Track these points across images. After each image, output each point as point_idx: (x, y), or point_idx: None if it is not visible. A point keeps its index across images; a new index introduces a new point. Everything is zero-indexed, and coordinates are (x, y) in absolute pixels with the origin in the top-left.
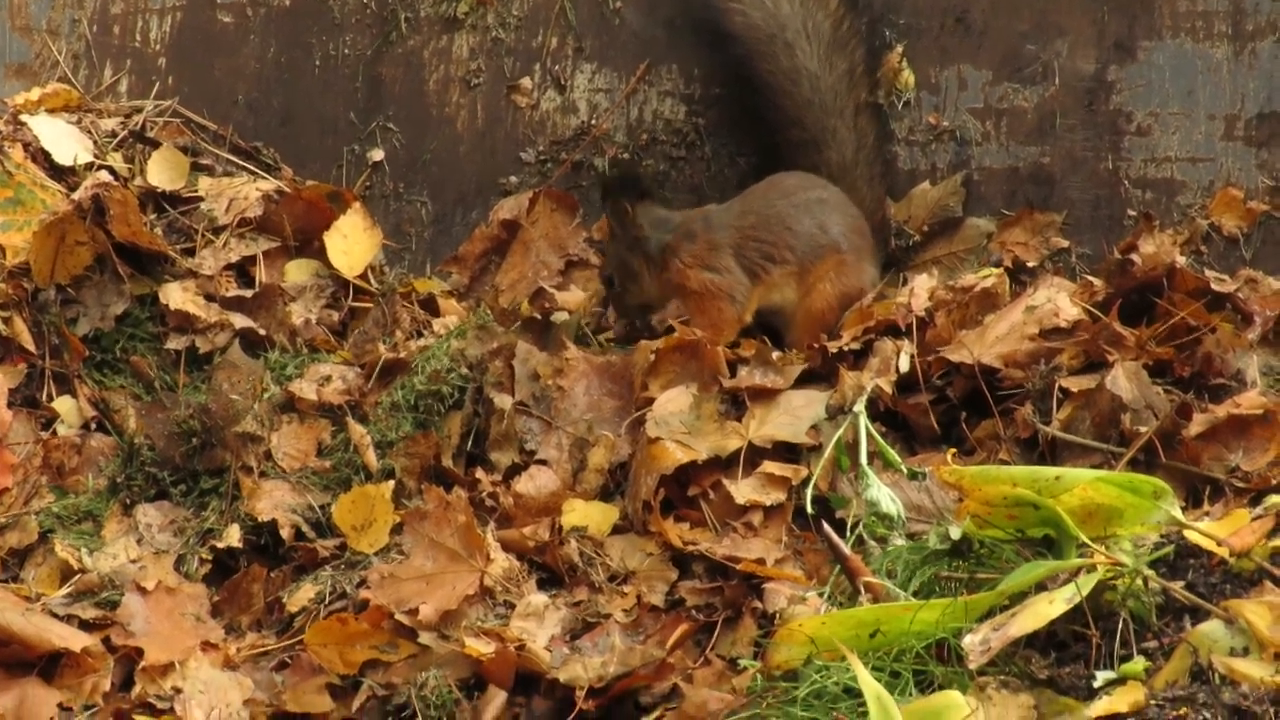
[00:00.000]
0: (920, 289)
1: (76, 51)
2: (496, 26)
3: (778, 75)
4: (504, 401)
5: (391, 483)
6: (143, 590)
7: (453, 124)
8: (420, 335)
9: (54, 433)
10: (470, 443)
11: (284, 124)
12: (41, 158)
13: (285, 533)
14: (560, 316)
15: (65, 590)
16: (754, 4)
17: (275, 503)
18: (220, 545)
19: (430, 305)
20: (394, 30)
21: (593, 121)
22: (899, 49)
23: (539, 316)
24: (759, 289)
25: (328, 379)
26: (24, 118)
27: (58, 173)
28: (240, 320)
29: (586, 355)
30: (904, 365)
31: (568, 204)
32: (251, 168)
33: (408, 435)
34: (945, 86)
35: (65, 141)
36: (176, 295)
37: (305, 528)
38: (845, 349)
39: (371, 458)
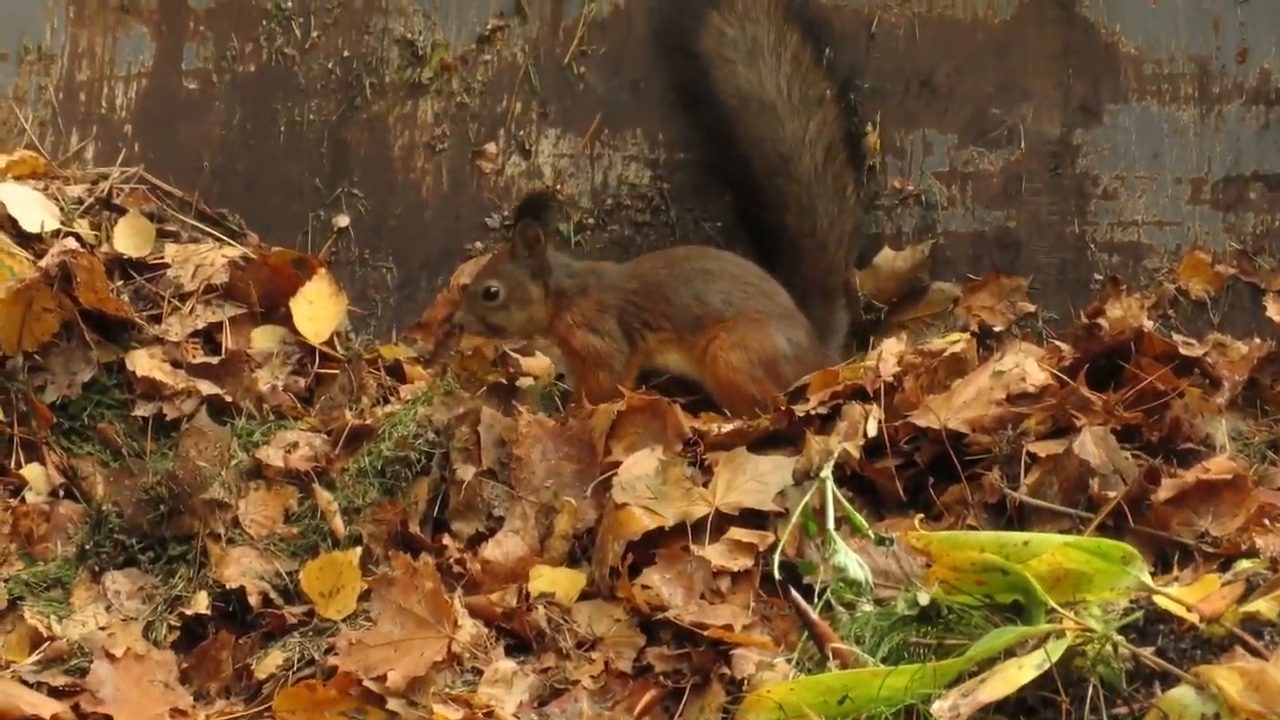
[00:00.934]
0: (889, 353)
1: (43, 118)
2: (461, 92)
3: (752, 137)
4: (466, 471)
5: (359, 549)
6: (112, 657)
7: (418, 189)
8: (386, 401)
9: (22, 500)
10: (438, 509)
11: (249, 190)
12: (8, 224)
13: (253, 600)
14: (525, 382)
15: (35, 657)
16: (741, 60)
17: (243, 570)
18: (189, 612)
19: (396, 371)
20: (359, 96)
21: (557, 187)
22: (864, 113)
23: (504, 382)
24: (638, 356)
25: (294, 446)
26: None
27: (24, 240)
28: (207, 387)
29: (539, 420)
30: (872, 430)
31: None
32: (217, 234)
33: (375, 502)
34: (911, 150)
35: (32, 208)
36: (143, 362)
37: (273, 594)
38: (812, 413)
39: (339, 524)
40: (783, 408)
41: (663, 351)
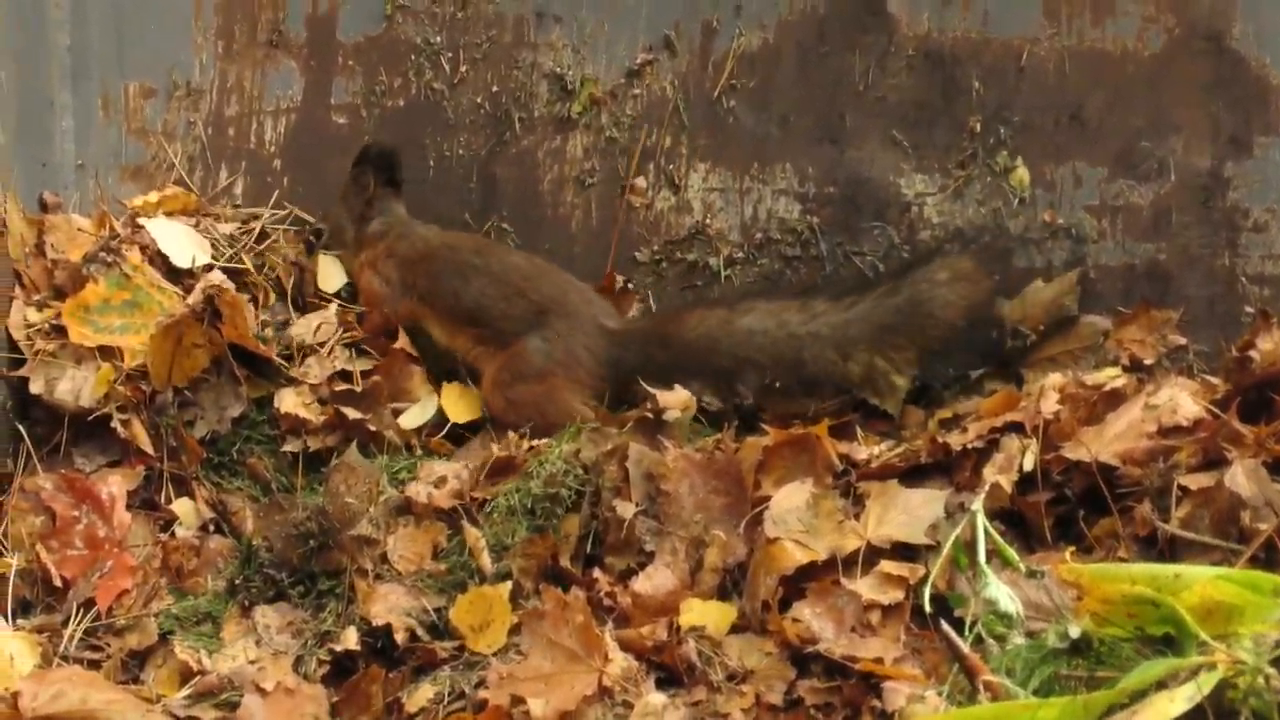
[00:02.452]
0: (1050, 389)
1: (192, 153)
2: (610, 126)
3: None
4: (625, 510)
5: (509, 584)
6: (262, 691)
7: (567, 223)
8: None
9: (173, 534)
10: (588, 544)
11: None
12: (159, 260)
13: (400, 636)
14: (672, 415)
15: (185, 692)
16: None
17: (390, 606)
18: (338, 648)
19: None
20: (508, 130)
21: (707, 221)
22: (1013, 146)
23: (650, 416)
24: (407, 306)
25: (442, 480)
26: (142, 221)
27: (175, 275)
28: (352, 419)
29: (687, 454)
30: (1028, 464)
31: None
32: None
33: (524, 538)
34: (1060, 184)
35: (184, 244)
36: (289, 399)
37: (420, 631)
38: (969, 446)
39: (486, 561)
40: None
41: (425, 320)
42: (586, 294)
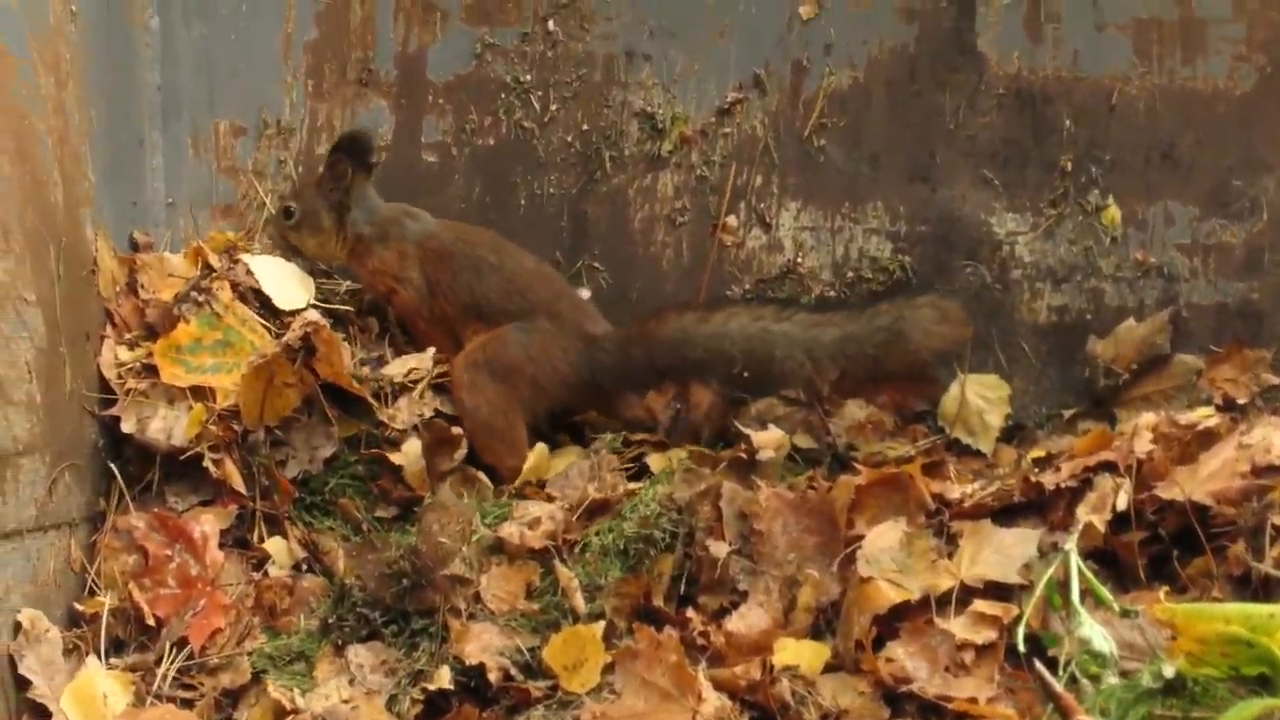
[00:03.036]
0: (1144, 428)
1: (282, 192)
2: (700, 164)
3: None
4: (719, 549)
5: (602, 623)
6: None
7: (658, 262)
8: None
9: (265, 573)
10: (682, 584)
11: None
12: (252, 297)
13: (493, 676)
14: (765, 454)
15: None
16: None
17: (484, 645)
18: (431, 687)
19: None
20: (598, 169)
21: (798, 259)
22: (1104, 185)
23: (743, 456)
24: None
25: (536, 521)
26: (245, 258)
27: (266, 312)
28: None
29: (779, 493)
30: (1121, 504)
31: None
32: None
33: (618, 578)
34: (1152, 222)
35: (285, 283)
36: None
37: (513, 670)
38: (1062, 485)
39: (579, 601)
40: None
41: (447, 316)
42: (580, 304)
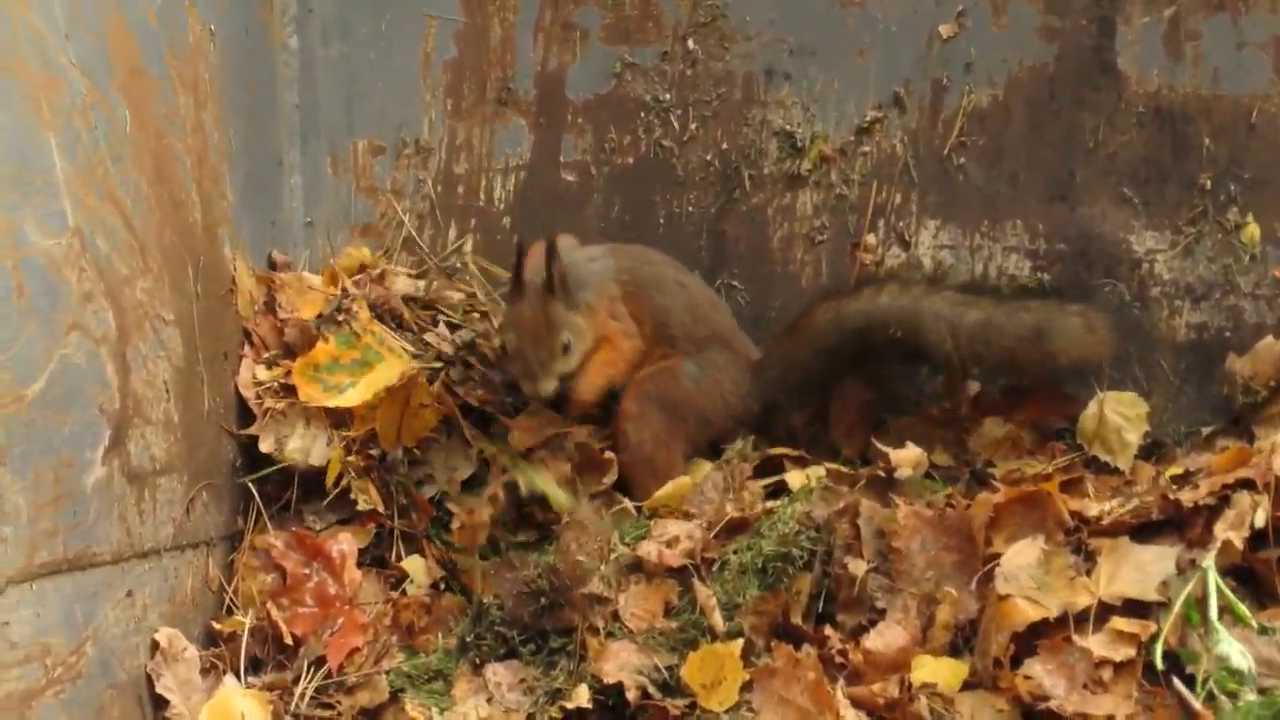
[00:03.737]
0: None
1: (421, 211)
2: (840, 183)
3: None
4: (858, 567)
5: (741, 641)
6: None
7: (797, 280)
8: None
9: (403, 592)
10: (820, 602)
11: None
12: (388, 317)
13: (631, 695)
14: (904, 473)
15: None
16: None
17: (621, 664)
18: (569, 705)
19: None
20: (737, 188)
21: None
22: (1244, 202)
23: (882, 474)
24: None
25: (675, 539)
26: (390, 279)
27: (403, 332)
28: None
29: (917, 511)
30: (1260, 520)
31: None
32: None
33: (756, 596)
34: None
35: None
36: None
37: (651, 689)
38: (1200, 502)
39: (718, 619)
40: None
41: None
42: (742, 334)
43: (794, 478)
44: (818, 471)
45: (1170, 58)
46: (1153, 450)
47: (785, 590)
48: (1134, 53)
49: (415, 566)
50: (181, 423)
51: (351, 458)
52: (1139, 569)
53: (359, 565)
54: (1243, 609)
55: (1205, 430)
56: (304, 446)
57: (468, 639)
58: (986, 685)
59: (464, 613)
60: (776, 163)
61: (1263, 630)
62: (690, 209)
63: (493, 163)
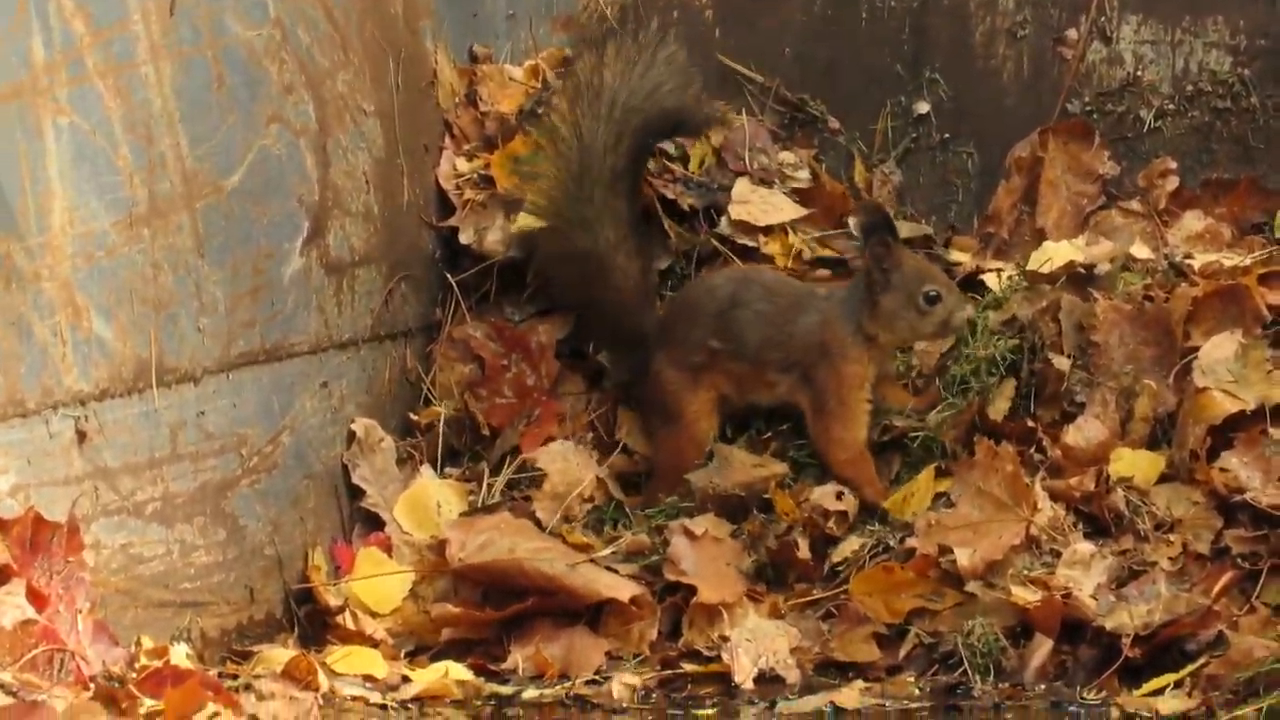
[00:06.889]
0: None
1: (624, 3)
2: None
3: None
4: (1061, 363)
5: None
6: (691, 535)
7: (998, 75)
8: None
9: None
10: (1021, 398)
11: (829, 76)
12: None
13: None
14: (1102, 267)
15: (609, 550)
16: None
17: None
18: None
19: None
20: None
21: (1138, 73)
22: None
23: (1081, 270)
24: None
25: None
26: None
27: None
28: None
29: (1115, 304)
30: None
31: (1080, 132)
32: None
33: (954, 406)
34: None
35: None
36: None
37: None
38: None
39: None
40: None
41: None
42: None
43: (992, 279)
44: (1010, 271)
45: None
46: None
47: (988, 391)
48: None
49: None
50: (381, 214)
51: None
52: None
53: (557, 356)
54: None
55: None
56: (504, 238)
57: None
58: (1183, 478)
59: None
60: None
61: None
62: (893, 4)
63: None
